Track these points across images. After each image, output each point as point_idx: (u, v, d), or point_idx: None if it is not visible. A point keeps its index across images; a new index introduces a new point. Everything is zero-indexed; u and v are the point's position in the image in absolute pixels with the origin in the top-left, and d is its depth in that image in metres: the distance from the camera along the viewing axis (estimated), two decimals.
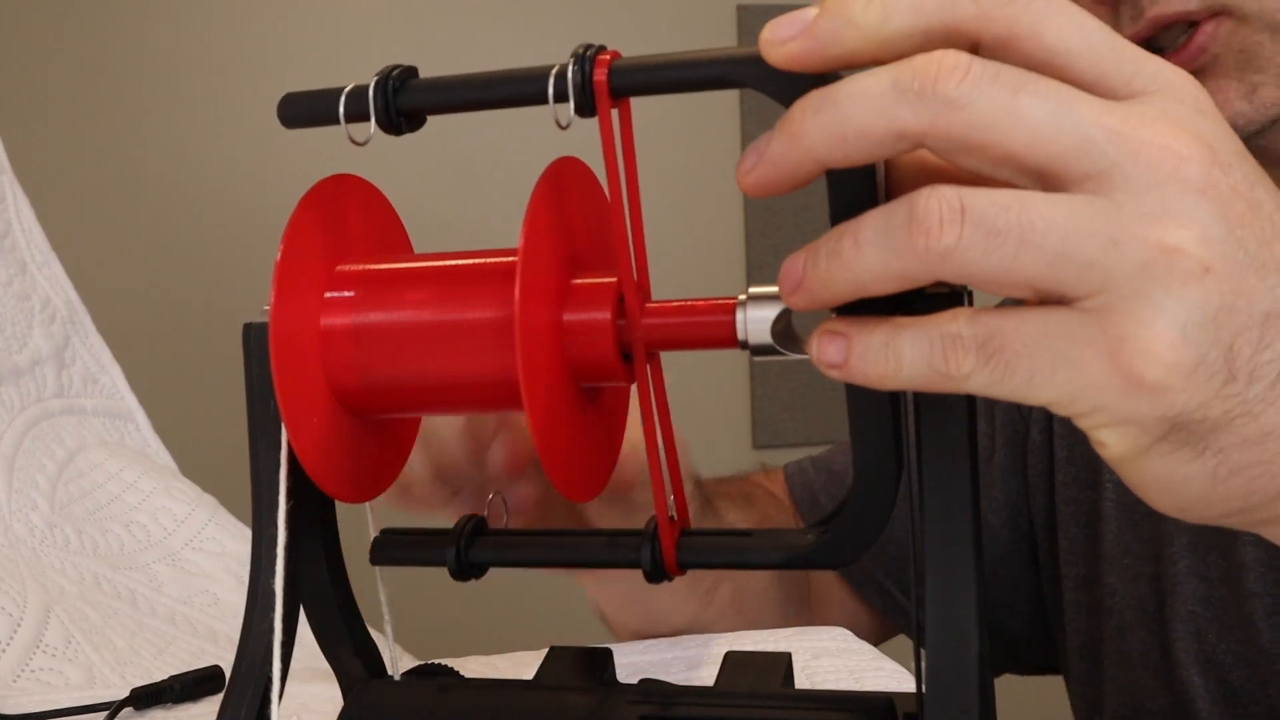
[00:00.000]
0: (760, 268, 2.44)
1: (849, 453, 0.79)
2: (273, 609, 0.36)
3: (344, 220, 0.37)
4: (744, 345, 0.33)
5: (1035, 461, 0.76)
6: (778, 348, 0.33)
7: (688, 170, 2.38)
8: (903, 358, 0.29)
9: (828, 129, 0.29)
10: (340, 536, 0.39)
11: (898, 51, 0.30)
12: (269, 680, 0.36)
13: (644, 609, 0.65)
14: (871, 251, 0.29)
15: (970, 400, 0.32)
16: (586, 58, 0.32)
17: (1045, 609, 0.78)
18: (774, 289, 0.33)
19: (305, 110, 0.35)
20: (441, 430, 0.51)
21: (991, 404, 0.77)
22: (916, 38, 0.30)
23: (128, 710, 0.62)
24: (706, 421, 2.36)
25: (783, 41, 0.30)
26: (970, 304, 0.31)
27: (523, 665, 0.69)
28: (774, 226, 2.44)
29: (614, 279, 0.35)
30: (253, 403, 0.36)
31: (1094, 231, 0.28)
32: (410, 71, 0.34)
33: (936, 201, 0.28)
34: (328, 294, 0.36)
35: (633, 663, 0.61)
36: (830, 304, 0.31)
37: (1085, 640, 0.73)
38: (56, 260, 1.05)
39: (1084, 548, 0.73)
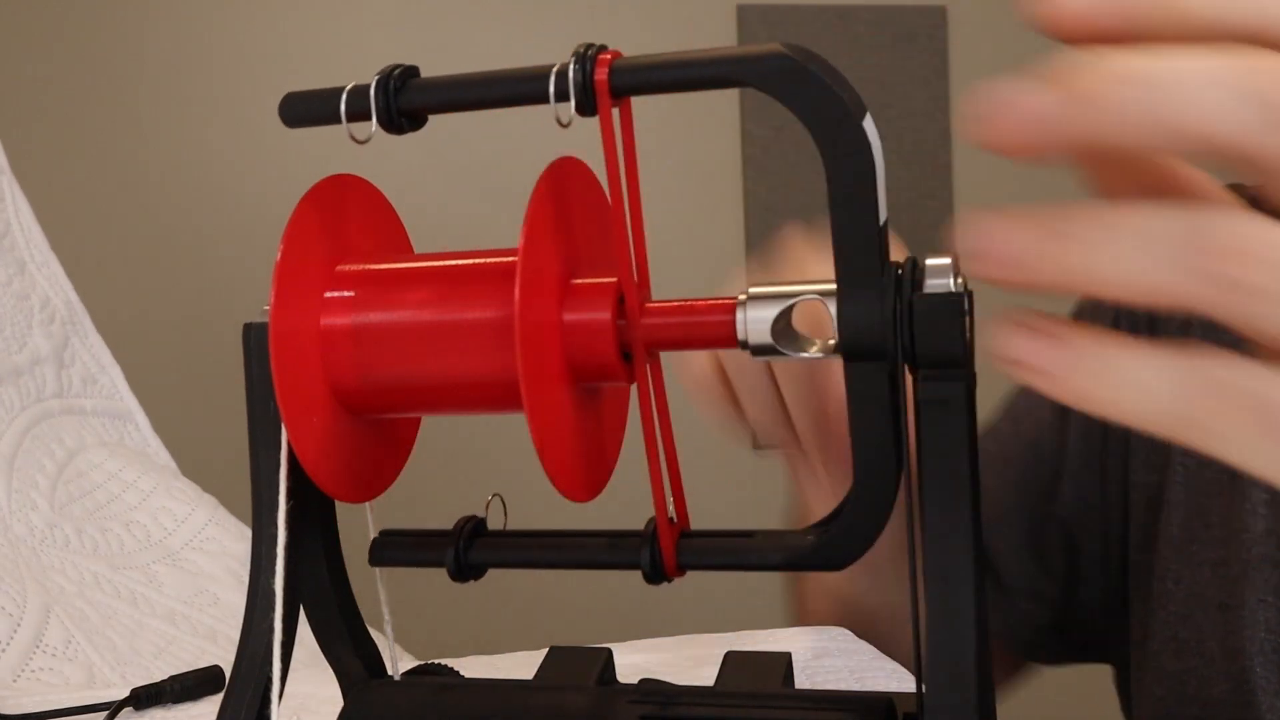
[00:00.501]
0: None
1: (998, 434, 0.77)
2: (273, 609, 0.36)
3: (344, 220, 0.37)
4: (744, 345, 0.33)
5: (1115, 447, 0.73)
6: (778, 348, 0.33)
7: (688, 170, 2.38)
8: (1144, 390, 0.25)
9: (1138, 108, 0.24)
10: (340, 536, 0.39)
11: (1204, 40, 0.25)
12: (269, 680, 0.36)
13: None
14: (1138, 256, 0.24)
15: (970, 398, 0.32)
16: (588, 57, 0.32)
17: (1111, 598, 0.76)
18: (774, 289, 0.33)
19: (307, 110, 0.35)
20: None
21: None
22: (1237, 33, 0.25)
23: (128, 710, 0.62)
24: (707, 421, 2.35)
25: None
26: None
27: (523, 665, 0.69)
28: (774, 226, 2.44)
29: (614, 279, 0.35)
30: (253, 403, 0.36)
31: None
32: (411, 71, 0.34)
33: (1255, 231, 0.24)
34: (328, 294, 0.36)
35: (633, 663, 0.61)
36: (1039, 289, 0.26)
37: (1140, 622, 0.72)
38: (56, 260, 1.05)
39: (1148, 532, 0.71)
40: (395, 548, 0.39)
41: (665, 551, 0.35)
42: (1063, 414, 0.76)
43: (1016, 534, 0.76)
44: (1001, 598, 0.77)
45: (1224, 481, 0.67)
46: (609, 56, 0.32)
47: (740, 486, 2.47)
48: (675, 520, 0.36)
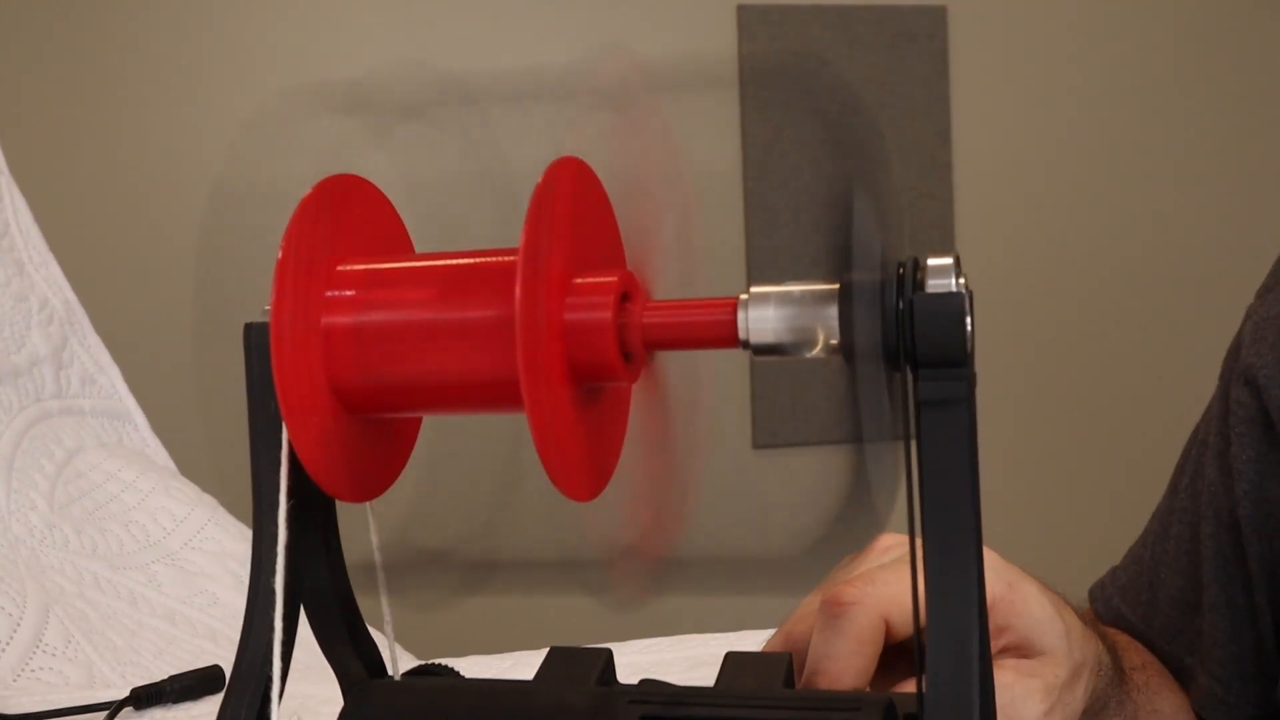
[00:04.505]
0: (760, 268, 2.43)
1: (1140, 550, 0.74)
2: (273, 608, 0.36)
3: (345, 220, 0.37)
4: (745, 345, 0.33)
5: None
6: (779, 348, 0.33)
7: (688, 170, 2.37)
8: None
9: None
10: (340, 536, 0.39)
11: None
12: (269, 680, 0.36)
13: None
14: None
15: (971, 398, 0.32)
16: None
17: None
18: (774, 289, 0.33)
19: None
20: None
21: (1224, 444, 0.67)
22: None
23: (128, 710, 0.62)
24: (706, 421, 2.35)
25: None
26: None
27: (523, 665, 0.69)
28: (774, 226, 2.44)
29: (615, 278, 0.35)
30: (253, 403, 0.36)
31: None
32: None
33: None
34: (329, 293, 0.36)
35: (633, 663, 0.61)
36: None
37: None
38: (54, 261, 1.05)
39: None
40: None
41: None
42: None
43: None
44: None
45: None
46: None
47: (740, 486, 2.47)
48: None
